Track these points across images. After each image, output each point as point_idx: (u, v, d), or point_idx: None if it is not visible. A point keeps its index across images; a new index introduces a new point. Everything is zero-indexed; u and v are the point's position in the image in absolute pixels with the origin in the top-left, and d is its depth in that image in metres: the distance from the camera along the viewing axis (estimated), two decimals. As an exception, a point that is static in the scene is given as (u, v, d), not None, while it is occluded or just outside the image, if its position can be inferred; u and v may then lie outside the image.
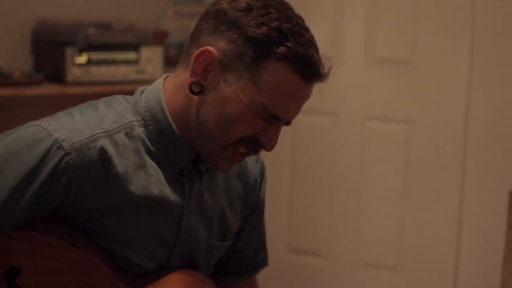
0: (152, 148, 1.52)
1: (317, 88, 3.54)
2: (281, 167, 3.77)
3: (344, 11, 3.55)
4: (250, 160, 1.71)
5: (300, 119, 3.64)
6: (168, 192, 1.53)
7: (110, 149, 1.48)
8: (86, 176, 1.46)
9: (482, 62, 3.26)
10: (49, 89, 3.19)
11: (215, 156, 1.51)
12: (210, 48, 1.47)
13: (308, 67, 1.47)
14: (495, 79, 3.25)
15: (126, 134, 1.51)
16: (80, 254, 1.49)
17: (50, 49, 3.32)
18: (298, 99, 1.50)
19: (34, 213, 1.46)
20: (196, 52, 1.48)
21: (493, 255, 3.11)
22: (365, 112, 3.55)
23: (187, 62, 1.52)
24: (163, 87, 1.55)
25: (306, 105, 3.88)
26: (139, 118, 1.53)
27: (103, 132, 1.48)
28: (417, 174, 3.45)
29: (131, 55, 3.34)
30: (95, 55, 3.25)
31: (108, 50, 3.29)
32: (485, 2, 3.24)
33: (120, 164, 1.48)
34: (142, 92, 1.57)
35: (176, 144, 1.52)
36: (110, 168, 1.48)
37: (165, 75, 1.59)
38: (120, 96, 1.57)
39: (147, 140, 1.52)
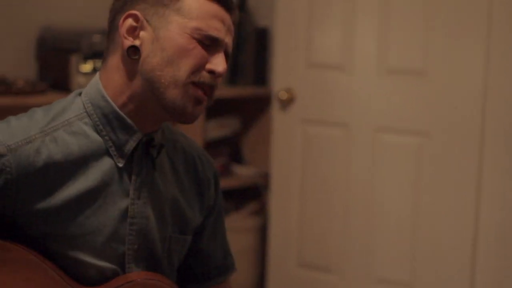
0: (98, 137, 1.56)
1: (329, 99, 3.49)
2: (292, 178, 3.71)
3: (356, 21, 3.50)
4: (201, 163, 1.76)
5: (311, 129, 3.64)
6: (114, 181, 1.56)
7: (48, 147, 1.51)
8: (25, 176, 1.48)
9: (498, 72, 3.20)
10: (54, 98, 3.08)
11: (180, 105, 1.55)
12: (129, 11, 1.56)
13: None
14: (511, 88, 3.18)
15: (64, 131, 1.55)
16: (21, 253, 1.50)
17: (54, 57, 3.29)
18: (223, 21, 1.58)
19: None
20: (120, 22, 1.56)
21: (510, 272, 3.04)
22: (377, 123, 3.49)
23: (112, 45, 1.60)
24: (100, 79, 1.61)
25: (318, 116, 3.83)
26: (81, 111, 1.57)
27: (39, 132, 1.52)
28: (431, 186, 3.38)
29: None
30: (100, 63, 3.18)
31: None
32: (501, 10, 3.18)
33: (59, 161, 1.51)
34: (80, 93, 1.62)
35: (121, 123, 1.57)
36: (48, 166, 1.51)
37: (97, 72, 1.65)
38: (61, 100, 1.63)
39: (91, 131, 1.56)
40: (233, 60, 3.88)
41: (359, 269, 3.57)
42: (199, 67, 1.55)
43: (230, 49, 1.61)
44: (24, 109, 3.03)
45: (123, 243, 1.58)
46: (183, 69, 1.53)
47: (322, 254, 3.68)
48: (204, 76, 1.55)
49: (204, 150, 1.81)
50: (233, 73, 3.91)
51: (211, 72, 1.56)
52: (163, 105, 1.55)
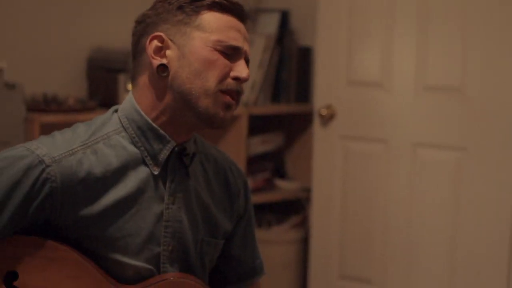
0: (134, 149, 1.69)
1: (368, 115, 3.55)
2: (333, 192, 3.79)
3: (395, 39, 3.57)
4: (231, 174, 1.88)
5: (351, 145, 3.72)
6: (150, 188, 1.69)
7: (89, 158, 1.64)
8: (68, 185, 1.61)
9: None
10: (103, 115, 3.24)
11: (212, 112, 1.67)
12: (154, 34, 1.68)
13: (230, 7, 1.70)
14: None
15: (104, 143, 1.67)
16: (68, 252, 1.62)
17: (103, 76, 3.40)
18: (239, 31, 1.71)
19: (21, 224, 1.59)
20: (146, 44, 1.68)
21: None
22: (415, 139, 3.55)
23: (140, 66, 1.72)
24: (133, 96, 1.73)
25: (358, 132, 3.88)
26: (118, 126, 1.70)
27: (81, 145, 1.65)
28: (469, 201, 3.42)
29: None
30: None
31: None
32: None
33: (100, 171, 1.64)
34: (116, 110, 1.75)
35: (155, 134, 1.69)
36: (90, 176, 1.63)
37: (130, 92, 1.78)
38: (100, 116, 1.75)
39: (127, 144, 1.69)
40: (276, 78, 3.99)
41: (399, 282, 3.62)
42: (224, 76, 1.67)
43: (249, 55, 1.73)
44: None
45: (158, 244, 1.70)
46: (211, 79, 1.65)
47: (363, 267, 3.74)
48: (230, 83, 1.68)
49: (235, 162, 1.92)
50: (277, 91, 4.01)
51: (236, 78, 1.68)
52: (197, 114, 1.67)
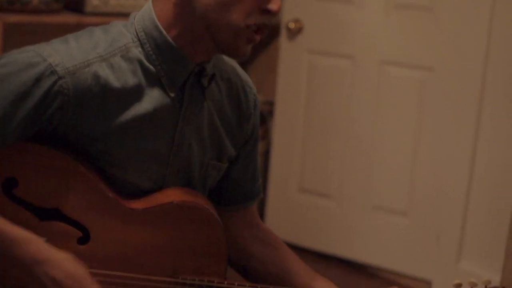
0: (151, 67, 1.58)
1: (337, 31, 3.55)
2: (296, 107, 3.79)
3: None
4: (244, 94, 1.76)
5: (317, 60, 3.70)
6: (165, 109, 1.59)
7: (105, 72, 1.53)
8: (81, 100, 1.51)
9: (504, 9, 3.22)
10: (68, 18, 3.19)
11: (233, 45, 1.55)
12: None
13: None
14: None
15: (122, 56, 1.55)
16: (72, 163, 1.55)
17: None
18: None
19: (28, 133, 1.51)
20: None
21: (504, 203, 3.12)
22: (383, 56, 3.55)
23: None
24: (153, 7, 1.59)
25: (325, 47, 3.88)
26: (136, 39, 1.57)
27: (97, 57, 1.53)
28: (432, 120, 3.46)
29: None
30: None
31: (128, -20, 3.29)
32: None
33: (115, 87, 1.54)
34: (135, 16, 1.62)
35: (174, 54, 1.57)
36: (105, 91, 1.53)
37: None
38: (118, 22, 1.62)
39: (144, 60, 1.57)
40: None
41: (357, 196, 3.67)
42: (252, 9, 1.51)
43: None
44: (39, 27, 3.12)
45: (165, 165, 1.63)
46: (237, 13, 1.51)
47: (322, 181, 3.78)
48: (258, 17, 1.52)
49: (249, 79, 1.80)
50: (243, 1, 3.94)
51: (266, 11, 1.52)
52: (216, 43, 1.55)
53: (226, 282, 1.63)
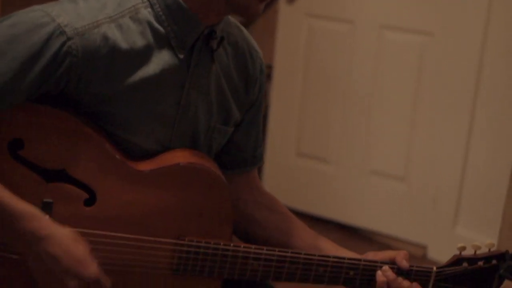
0: (160, 28, 1.56)
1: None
2: (295, 71, 3.78)
3: None
4: (251, 59, 1.75)
5: (316, 24, 3.68)
6: (173, 71, 1.57)
7: (114, 34, 1.51)
8: (89, 61, 1.49)
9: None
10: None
11: (245, 3, 1.54)
12: None
13: None
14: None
15: (130, 17, 1.54)
16: (79, 125, 1.53)
17: None
18: None
19: (35, 94, 1.49)
20: None
21: (501, 169, 3.13)
22: (382, 21, 3.54)
23: None
24: None
25: (323, 11, 3.86)
26: (145, 0, 1.55)
27: (106, 18, 1.51)
28: (431, 85, 3.46)
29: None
30: None
31: None
32: None
33: (124, 48, 1.52)
34: None
35: (184, 16, 1.56)
36: (113, 53, 1.51)
37: None
38: None
39: (154, 21, 1.55)
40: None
41: (355, 161, 3.68)
42: None
43: None
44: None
45: (172, 128, 1.62)
46: None
47: (320, 145, 3.79)
48: None
49: (255, 43, 1.78)
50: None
51: None
52: (228, 2, 1.54)
53: (232, 245, 1.63)
